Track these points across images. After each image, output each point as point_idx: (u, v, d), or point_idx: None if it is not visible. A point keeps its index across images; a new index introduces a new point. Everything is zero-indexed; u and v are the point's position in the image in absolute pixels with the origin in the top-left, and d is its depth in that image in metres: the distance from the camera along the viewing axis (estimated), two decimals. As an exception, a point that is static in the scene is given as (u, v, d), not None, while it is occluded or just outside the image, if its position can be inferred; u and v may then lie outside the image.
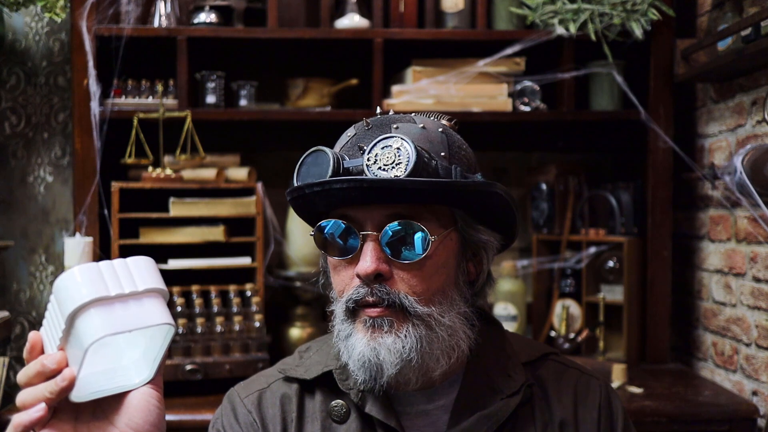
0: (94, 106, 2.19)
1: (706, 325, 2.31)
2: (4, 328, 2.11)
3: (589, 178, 2.53)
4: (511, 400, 1.05)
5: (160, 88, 2.26)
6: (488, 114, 2.31)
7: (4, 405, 1.99)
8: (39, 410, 0.77)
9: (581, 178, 2.51)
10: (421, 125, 1.03)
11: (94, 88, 2.19)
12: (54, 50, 2.50)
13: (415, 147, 0.97)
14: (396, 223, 0.98)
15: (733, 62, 1.96)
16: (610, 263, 2.39)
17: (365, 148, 1.00)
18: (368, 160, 0.98)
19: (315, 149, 1.02)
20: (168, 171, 2.21)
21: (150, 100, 2.29)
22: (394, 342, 0.98)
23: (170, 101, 2.28)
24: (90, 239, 2.14)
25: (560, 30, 2.24)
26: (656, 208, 2.35)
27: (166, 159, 2.28)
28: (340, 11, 2.36)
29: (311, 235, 1.03)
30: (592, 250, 2.38)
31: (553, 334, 2.41)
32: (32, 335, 0.79)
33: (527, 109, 2.34)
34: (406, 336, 0.98)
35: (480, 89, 2.33)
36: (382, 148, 0.98)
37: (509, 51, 2.27)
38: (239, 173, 2.30)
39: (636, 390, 2.05)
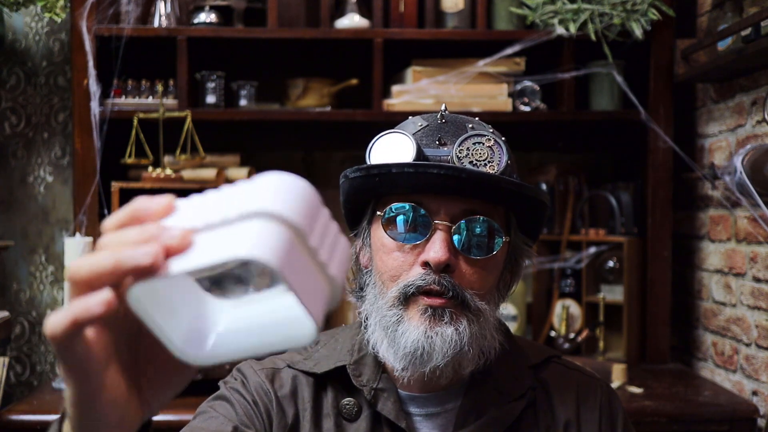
0: (94, 106, 2.19)
1: (706, 325, 2.31)
2: (4, 328, 2.12)
3: (589, 178, 2.53)
4: (517, 403, 1.05)
5: (160, 88, 2.26)
6: (488, 114, 2.31)
7: (4, 405, 1.99)
8: (104, 298, 0.50)
9: (581, 178, 2.51)
10: (491, 130, 1.06)
11: (94, 88, 2.19)
12: (54, 50, 2.50)
13: (507, 149, 1.01)
14: (475, 218, 0.99)
15: (733, 62, 1.96)
16: (610, 263, 2.39)
17: (446, 140, 1.03)
18: (459, 152, 1.00)
19: (391, 132, 1.03)
20: (168, 171, 2.21)
21: (150, 100, 2.29)
22: (452, 334, 0.98)
23: (170, 101, 2.28)
24: (90, 239, 2.14)
25: (560, 30, 2.24)
26: (656, 208, 2.35)
27: (166, 159, 2.28)
28: (340, 11, 2.36)
29: (379, 214, 1.03)
30: (592, 250, 2.38)
31: (553, 334, 2.41)
32: (168, 199, 0.54)
33: (527, 109, 2.33)
34: (463, 330, 0.99)
35: (480, 89, 2.33)
36: (474, 143, 1.01)
37: (509, 51, 2.27)
38: (239, 173, 2.30)
39: (636, 390, 2.05)
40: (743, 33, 1.89)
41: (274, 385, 1.06)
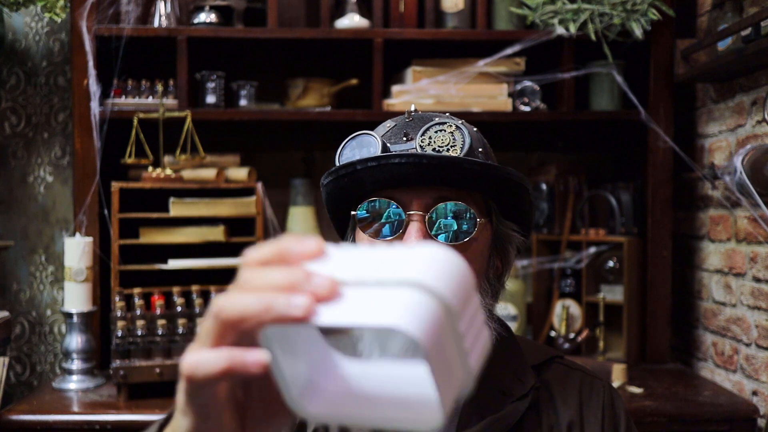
0: (94, 106, 2.19)
1: (706, 325, 2.31)
2: (4, 328, 2.11)
3: (589, 178, 2.53)
4: (520, 403, 1.05)
5: (160, 88, 2.26)
6: (488, 114, 2.31)
7: (4, 405, 1.99)
8: (261, 359, 0.50)
9: (581, 178, 2.51)
10: (460, 121, 1.07)
11: (94, 88, 2.19)
12: (54, 50, 2.50)
13: (469, 132, 1.02)
14: (445, 204, 1.00)
15: (733, 62, 1.96)
16: (610, 263, 2.39)
17: (412, 134, 1.04)
18: (422, 141, 1.01)
19: (358, 133, 1.04)
20: (168, 171, 2.21)
21: (150, 100, 2.29)
22: None
23: (170, 101, 2.28)
24: (90, 239, 2.14)
25: (560, 30, 2.24)
26: (656, 208, 2.35)
27: (166, 159, 2.28)
28: (340, 11, 2.36)
29: (353, 213, 1.04)
30: (592, 250, 2.38)
31: (553, 334, 2.41)
32: (318, 244, 0.52)
33: (527, 109, 2.33)
34: None
35: (480, 89, 2.33)
36: (436, 131, 1.01)
37: (509, 51, 2.27)
38: (239, 173, 2.30)
39: (636, 390, 2.05)
40: (743, 33, 1.89)
41: None
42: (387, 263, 0.50)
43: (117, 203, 2.15)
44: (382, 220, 1.01)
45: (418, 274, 0.48)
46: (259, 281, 0.51)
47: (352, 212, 1.05)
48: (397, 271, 0.49)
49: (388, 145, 1.03)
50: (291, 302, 0.49)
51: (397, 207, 1.00)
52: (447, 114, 1.10)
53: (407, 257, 0.50)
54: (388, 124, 1.08)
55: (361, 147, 1.03)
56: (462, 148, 1.00)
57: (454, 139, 1.01)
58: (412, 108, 1.11)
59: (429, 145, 1.01)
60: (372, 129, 1.09)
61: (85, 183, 2.22)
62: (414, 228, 0.99)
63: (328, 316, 0.48)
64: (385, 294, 0.48)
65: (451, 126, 1.01)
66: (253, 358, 0.50)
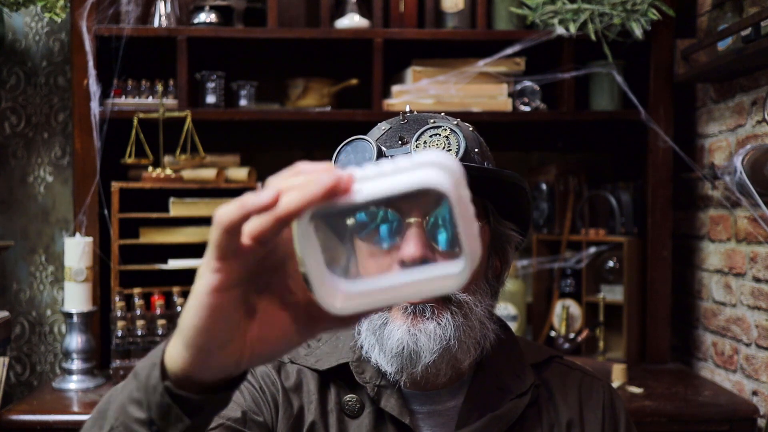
0: (94, 106, 2.19)
1: (706, 325, 2.31)
2: (4, 328, 2.11)
3: (589, 178, 2.53)
4: (520, 400, 1.05)
5: (160, 88, 2.26)
6: (488, 114, 2.31)
7: (4, 405, 1.99)
8: (271, 195, 0.57)
9: (581, 178, 2.51)
10: (456, 122, 1.07)
11: (94, 88, 2.19)
12: (54, 50, 2.50)
13: (464, 136, 1.01)
14: (443, 209, 0.99)
15: (733, 62, 1.96)
16: (610, 263, 2.39)
17: (407, 138, 1.03)
18: (417, 146, 1.01)
19: (353, 138, 1.04)
20: (168, 171, 2.21)
21: (150, 100, 2.29)
22: (435, 328, 0.98)
23: (170, 101, 2.28)
24: (90, 239, 2.14)
25: (560, 30, 2.24)
26: (656, 208, 2.35)
27: (166, 159, 2.28)
28: (340, 11, 2.36)
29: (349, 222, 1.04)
30: (592, 250, 2.38)
31: (553, 334, 2.41)
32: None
33: (527, 109, 2.33)
34: (446, 324, 0.98)
35: (480, 89, 2.33)
36: (431, 135, 1.01)
37: (509, 51, 2.27)
38: (239, 173, 2.30)
39: (636, 390, 2.05)
40: (743, 33, 1.89)
41: (280, 375, 1.06)
42: (398, 162, 0.56)
43: (117, 203, 2.16)
44: (381, 227, 1.00)
45: (429, 158, 0.56)
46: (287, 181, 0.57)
47: (348, 220, 1.04)
48: (410, 161, 0.56)
49: (384, 149, 1.03)
50: (322, 176, 0.55)
51: (395, 213, 0.99)
52: (442, 114, 1.10)
53: (417, 156, 0.57)
54: (383, 126, 1.08)
55: (356, 152, 1.02)
56: (458, 152, 1.00)
57: (449, 143, 1.01)
58: (407, 109, 1.11)
59: (424, 149, 1.01)
60: (372, 130, 1.09)
61: (85, 183, 2.22)
62: (412, 233, 0.98)
63: (363, 192, 0.55)
64: (407, 172, 0.55)
65: (446, 129, 1.01)
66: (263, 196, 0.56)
